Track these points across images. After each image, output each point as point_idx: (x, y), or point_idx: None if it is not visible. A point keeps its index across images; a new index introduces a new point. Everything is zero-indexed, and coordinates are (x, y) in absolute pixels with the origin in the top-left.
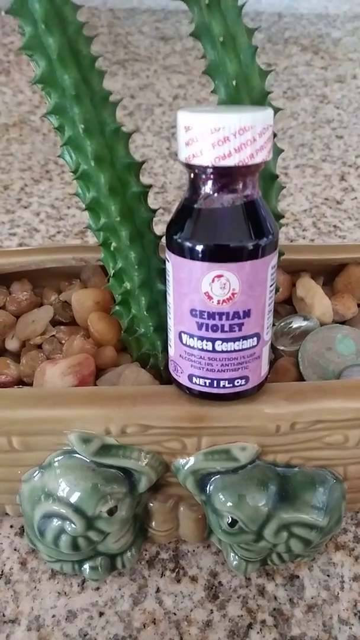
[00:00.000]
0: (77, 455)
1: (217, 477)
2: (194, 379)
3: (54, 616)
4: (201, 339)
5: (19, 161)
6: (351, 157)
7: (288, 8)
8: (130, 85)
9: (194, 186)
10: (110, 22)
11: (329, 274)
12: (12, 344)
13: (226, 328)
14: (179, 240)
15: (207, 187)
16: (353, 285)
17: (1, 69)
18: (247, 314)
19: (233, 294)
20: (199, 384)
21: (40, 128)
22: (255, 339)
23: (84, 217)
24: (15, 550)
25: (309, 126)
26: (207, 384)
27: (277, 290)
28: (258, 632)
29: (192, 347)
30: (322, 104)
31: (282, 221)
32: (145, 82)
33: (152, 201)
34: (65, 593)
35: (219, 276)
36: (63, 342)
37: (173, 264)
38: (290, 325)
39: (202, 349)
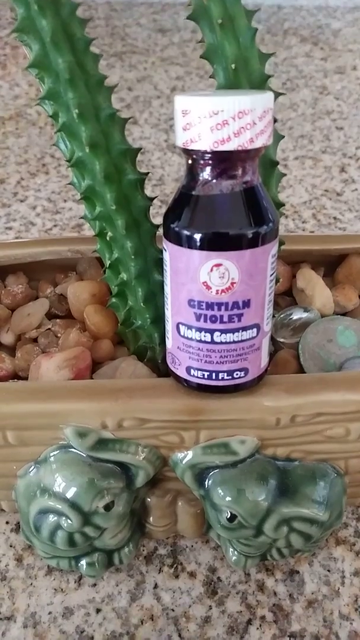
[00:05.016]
0: (73, 449)
1: (215, 471)
2: (192, 371)
3: (50, 613)
4: (199, 330)
5: (15, 154)
6: (351, 148)
7: None
8: (127, 78)
9: (192, 172)
10: (108, 15)
11: (330, 265)
12: (7, 338)
13: (225, 319)
14: (177, 229)
15: (206, 173)
16: (354, 276)
17: None
18: (246, 304)
19: (232, 284)
20: (197, 376)
21: (36, 121)
22: (254, 329)
23: (81, 210)
24: (11, 546)
25: (308, 117)
26: (206, 376)
27: (277, 281)
28: (257, 628)
29: (190, 339)
30: (322, 95)
31: (282, 212)
32: (142, 74)
33: (150, 193)
34: (61, 589)
35: (218, 265)
36: (59, 335)
37: (170, 253)
38: (291, 317)
39: (201, 341)
